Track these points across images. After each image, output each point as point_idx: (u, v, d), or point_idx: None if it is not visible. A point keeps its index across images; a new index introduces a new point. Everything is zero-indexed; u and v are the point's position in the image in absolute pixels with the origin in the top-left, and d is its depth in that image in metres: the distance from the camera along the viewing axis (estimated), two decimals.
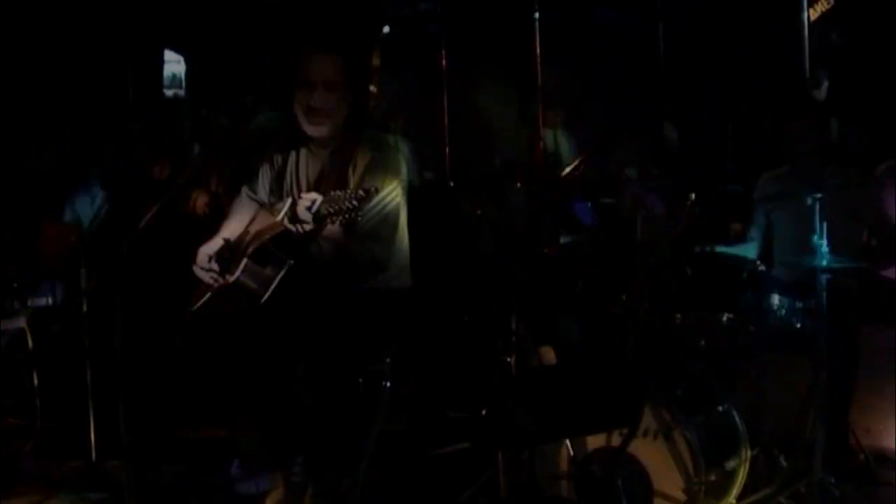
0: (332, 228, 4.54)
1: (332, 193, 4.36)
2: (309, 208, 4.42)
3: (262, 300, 4.67)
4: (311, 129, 4.85)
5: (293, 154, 4.97)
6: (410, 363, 5.19)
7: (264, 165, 5.07)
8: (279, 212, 4.66)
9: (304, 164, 4.94)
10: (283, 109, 4.99)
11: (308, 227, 4.52)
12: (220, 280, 4.80)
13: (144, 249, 4.62)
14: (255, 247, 4.75)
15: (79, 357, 5.48)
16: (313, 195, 4.44)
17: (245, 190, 5.11)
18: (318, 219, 4.42)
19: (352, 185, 4.74)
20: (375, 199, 4.69)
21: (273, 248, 4.68)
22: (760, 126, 7.19)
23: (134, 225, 4.39)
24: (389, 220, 4.80)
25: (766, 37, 7.60)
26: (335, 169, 4.83)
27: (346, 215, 4.30)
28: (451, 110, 7.30)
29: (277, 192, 4.99)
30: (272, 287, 4.65)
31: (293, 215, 4.53)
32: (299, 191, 4.89)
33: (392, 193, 4.78)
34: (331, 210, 4.32)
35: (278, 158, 5.03)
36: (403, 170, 4.90)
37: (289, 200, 4.64)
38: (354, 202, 4.26)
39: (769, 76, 7.53)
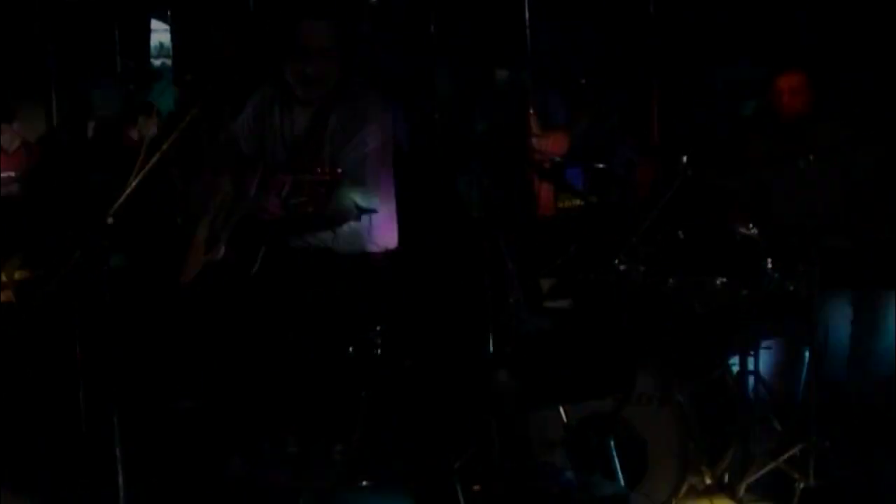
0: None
1: (300, 177, 4.35)
2: (279, 194, 4.42)
3: (251, 273, 4.69)
4: (304, 94, 4.87)
5: (276, 110, 4.98)
6: (402, 331, 5.18)
7: (244, 118, 5.07)
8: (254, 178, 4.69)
9: (289, 120, 4.95)
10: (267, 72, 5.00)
11: (276, 215, 4.54)
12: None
13: (131, 217, 4.59)
14: (233, 224, 4.77)
15: (66, 327, 5.44)
16: (284, 177, 4.44)
17: (222, 140, 5.11)
18: (288, 208, 4.42)
19: (333, 132, 4.75)
20: (354, 140, 4.71)
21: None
22: (751, 86, 7.14)
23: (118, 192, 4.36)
24: (369, 161, 4.79)
25: None
26: (318, 123, 4.85)
27: (316, 201, 4.31)
28: (441, 76, 7.26)
29: (258, 146, 4.99)
30: (257, 264, 4.68)
31: (262, 203, 4.55)
32: (283, 146, 4.89)
33: (372, 134, 4.79)
34: (301, 199, 4.32)
35: (260, 113, 5.03)
36: (386, 114, 4.89)
37: (259, 169, 4.67)
38: (323, 188, 4.26)
39: (760, 34, 7.48)
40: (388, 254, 4.95)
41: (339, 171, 4.33)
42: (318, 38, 4.84)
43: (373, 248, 4.88)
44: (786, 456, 4.75)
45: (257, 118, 5.05)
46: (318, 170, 4.35)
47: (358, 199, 4.65)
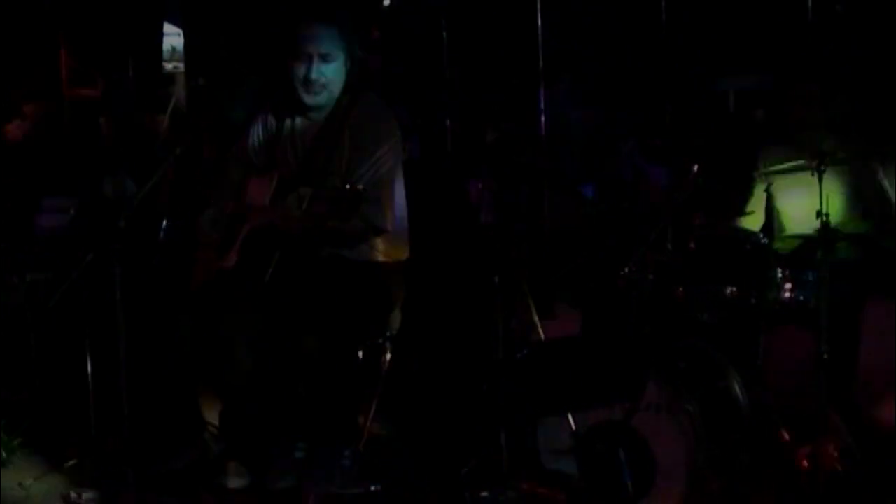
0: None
1: (322, 191, 4.34)
2: (299, 206, 4.42)
3: (265, 280, 4.71)
4: (308, 99, 4.88)
5: (287, 118, 4.99)
6: (412, 337, 5.19)
7: (256, 127, 5.08)
8: (269, 187, 4.69)
9: (299, 128, 4.96)
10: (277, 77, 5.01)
11: (295, 226, 4.54)
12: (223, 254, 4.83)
13: (143, 222, 4.60)
14: (247, 231, 4.78)
15: (78, 331, 5.45)
16: (304, 190, 4.42)
17: (233, 152, 5.12)
18: (309, 216, 4.41)
19: (346, 149, 4.76)
20: (369, 162, 4.71)
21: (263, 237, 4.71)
22: (764, 96, 7.15)
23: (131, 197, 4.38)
24: (383, 183, 4.79)
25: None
26: (330, 134, 4.85)
27: (339, 216, 4.29)
28: (453, 81, 7.28)
29: (270, 154, 5.00)
30: (270, 271, 4.68)
31: (280, 214, 4.54)
32: (294, 155, 4.90)
33: (386, 155, 4.79)
34: (321, 210, 4.30)
35: (271, 121, 5.05)
36: (398, 132, 4.90)
37: (274, 179, 4.68)
38: (345, 203, 4.24)
39: (771, 45, 7.48)
40: (397, 261, 4.96)
41: (360, 187, 4.33)
42: (317, 42, 4.84)
43: (384, 259, 4.89)
44: (793, 465, 4.76)
45: (267, 127, 5.06)
46: (344, 185, 4.34)
47: (373, 218, 4.66)
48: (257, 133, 5.09)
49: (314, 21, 4.89)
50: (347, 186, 4.30)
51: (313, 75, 4.83)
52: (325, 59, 4.83)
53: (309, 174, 4.81)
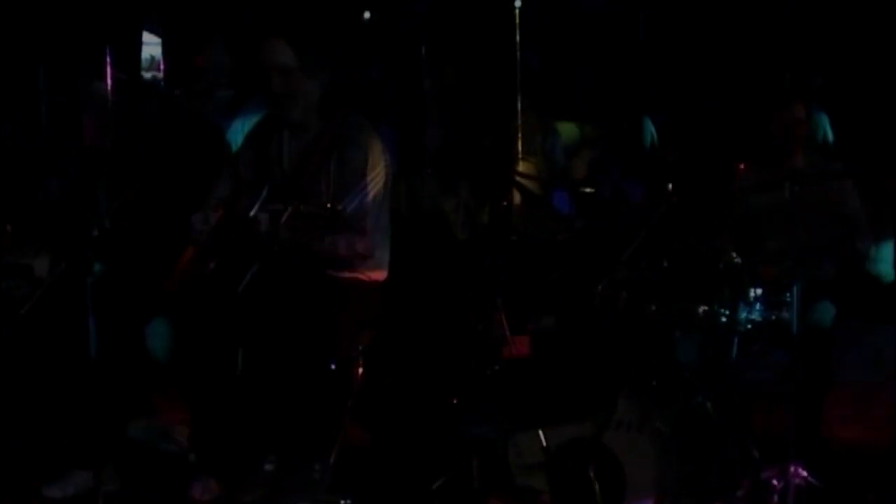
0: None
1: (301, 208, 4.32)
2: (277, 220, 4.40)
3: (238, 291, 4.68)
4: (282, 113, 4.85)
5: (275, 133, 4.97)
6: (385, 350, 5.18)
7: (246, 143, 5.06)
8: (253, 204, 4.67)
9: (287, 145, 4.94)
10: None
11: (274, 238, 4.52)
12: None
13: (117, 232, 4.59)
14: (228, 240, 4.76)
15: (48, 342, 5.41)
16: (286, 206, 4.41)
17: (222, 163, 5.10)
18: (289, 231, 4.39)
19: (332, 173, 4.75)
20: (355, 189, 4.69)
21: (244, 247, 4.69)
22: (742, 116, 7.19)
23: (106, 208, 4.37)
24: (371, 210, 4.77)
25: (750, 25, 7.60)
26: (317, 154, 4.82)
27: (313, 234, 4.28)
28: (431, 97, 7.30)
29: (260, 171, 4.98)
30: (245, 282, 4.66)
31: (264, 226, 4.53)
32: (280, 172, 4.89)
33: (372, 182, 4.77)
34: (298, 225, 4.29)
35: (261, 137, 5.02)
36: (386, 157, 4.87)
37: (263, 193, 4.65)
38: (320, 222, 4.24)
39: (753, 65, 7.52)
40: (376, 283, 4.96)
41: (340, 208, 4.31)
42: (276, 56, 4.79)
43: (363, 278, 4.88)
44: (764, 485, 4.76)
45: (252, 143, 5.04)
46: (324, 205, 4.33)
47: (358, 245, 4.65)
48: (245, 146, 5.07)
49: (267, 35, 4.85)
50: (328, 206, 4.29)
51: (276, 89, 4.79)
52: (284, 72, 4.79)
53: (294, 193, 4.78)
